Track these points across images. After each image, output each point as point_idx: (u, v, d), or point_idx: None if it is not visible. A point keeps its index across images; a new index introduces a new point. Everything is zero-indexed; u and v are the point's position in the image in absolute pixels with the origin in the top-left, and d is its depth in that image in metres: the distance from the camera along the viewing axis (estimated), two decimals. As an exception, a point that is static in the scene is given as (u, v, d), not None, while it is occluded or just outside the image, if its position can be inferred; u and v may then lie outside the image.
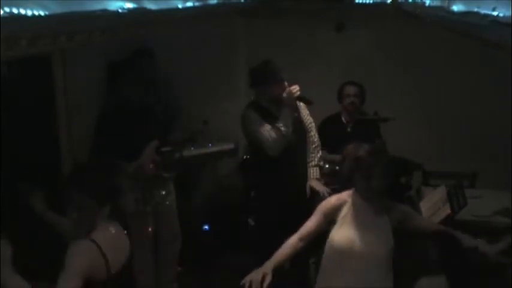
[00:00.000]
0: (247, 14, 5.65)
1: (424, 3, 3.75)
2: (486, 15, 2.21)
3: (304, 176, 4.12)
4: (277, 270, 2.86)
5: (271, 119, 3.95)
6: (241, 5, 5.42)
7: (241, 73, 5.81)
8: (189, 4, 3.60)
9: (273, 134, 3.88)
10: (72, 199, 2.55)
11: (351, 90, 4.72)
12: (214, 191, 5.45)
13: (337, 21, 5.59)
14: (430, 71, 5.43)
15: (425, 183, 4.81)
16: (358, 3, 5.53)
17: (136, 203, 3.86)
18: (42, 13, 2.03)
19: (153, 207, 3.98)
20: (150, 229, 4.00)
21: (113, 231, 2.66)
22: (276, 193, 4.01)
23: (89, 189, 2.54)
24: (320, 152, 4.22)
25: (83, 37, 2.50)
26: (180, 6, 3.47)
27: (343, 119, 4.77)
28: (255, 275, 2.75)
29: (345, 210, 2.92)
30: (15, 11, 1.91)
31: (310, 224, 3.00)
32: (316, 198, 3.99)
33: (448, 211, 3.53)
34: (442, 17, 3.13)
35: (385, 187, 2.88)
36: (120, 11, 2.63)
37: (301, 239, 3.00)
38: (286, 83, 3.96)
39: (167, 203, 4.10)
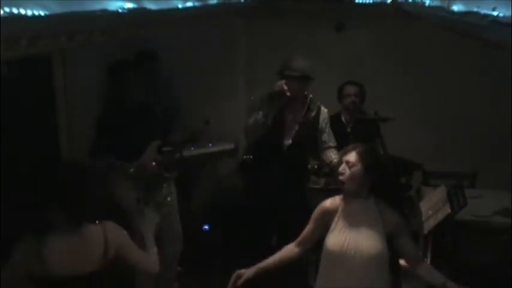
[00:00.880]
0: (247, 14, 5.65)
1: (424, 3, 3.76)
2: (486, 15, 2.21)
3: (295, 182, 4.10)
4: (266, 273, 2.96)
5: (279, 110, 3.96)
6: (241, 5, 5.42)
7: (241, 73, 5.82)
8: (189, 4, 3.60)
9: (251, 121, 3.91)
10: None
11: (351, 89, 4.72)
12: (214, 191, 5.45)
13: (337, 21, 5.59)
14: (430, 71, 5.42)
15: (425, 183, 4.82)
16: (358, 3, 5.54)
17: (138, 203, 3.86)
18: (42, 13, 2.03)
19: (155, 207, 3.98)
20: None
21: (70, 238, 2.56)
22: (257, 196, 4.08)
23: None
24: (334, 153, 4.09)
25: (83, 37, 2.50)
26: (180, 6, 3.48)
27: (343, 119, 4.77)
28: (233, 275, 2.89)
29: (338, 214, 2.92)
30: (15, 11, 1.91)
31: (306, 230, 3.02)
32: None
33: (448, 211, 3.52)
34: (442, 17, 3.13)
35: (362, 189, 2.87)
36: (120, 11, 2.64)
37: (297, 245, 3.02)
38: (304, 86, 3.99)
39: (168, 203, 4.10)
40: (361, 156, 2.83)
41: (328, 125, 4.14)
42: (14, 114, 3.39)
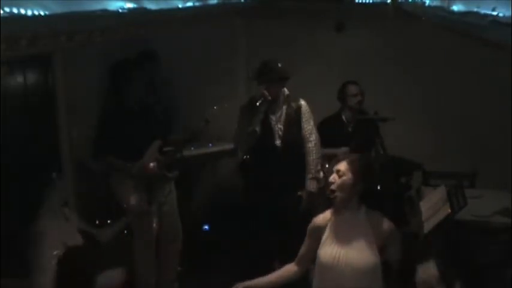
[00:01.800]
0: (247, 14, 5.65)
1: (424, 3, 3.76)
2: (486, 15, 2.21)
3: (291, 182, 4.13)
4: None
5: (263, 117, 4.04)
6: (241, 5, 5.42)
7: (241, 73, 5.82)
8: (189, 4, 3.61)
9: (239, 133, 4.05)
10: None
11: (355, 89, 4.70)
12: (214, 191, 5.44)
13: (337, 21, 5.59)
14: (430, 71, 5.42)
15: (425, 183, 4.81)
16: (358, 3, 5.54)
17: (139, 203, 3.86)
18: (42, 13, 2.04)
19: (157, 207, 3.98)
20: (153, 229, 4.01)
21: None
22: (256, 197, 4.13)
23: None
24: (319, 162, 4.17)
25: (83, 37, 2.51)
26: (180, 6, 3.48)
27: (344, 118, 4.76)
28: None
29: (329, 226, 2.90)
30: (15, 11, 1.91)
31: (302, 248, 3.00)
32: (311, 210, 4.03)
33: (448, 211, 3.52)
34: (442, 17, 3.13)
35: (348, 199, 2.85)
36: (120, 11, 2.64)
37: (296, 264, 3.01)
38: (285, 89, 4.07)
39: (168, 202, 4.10)
40: (352, 166, 2.81)
41: (309, 118, 4.18)
42: (14, 114, 3.39)
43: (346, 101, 4.71)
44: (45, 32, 2.15)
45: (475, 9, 2.38)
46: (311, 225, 2.98)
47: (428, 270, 2.90)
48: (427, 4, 3.70)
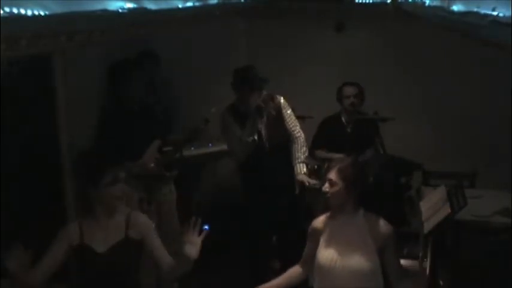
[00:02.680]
0: (247, 14, 5.65)
1: (424, 3, 3.76)
2: (486, 15, 2.21)
3: (285, 182, 4.18)
4: None
5: (244, 124, 4.11)
6: (241, 5, 5.42)
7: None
8: (189, 4, 3.61)
9: (237, 143, 4.09)
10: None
11: (349, 91, 4.73)
12: (214, 191, 5.44)
13: (337, 21, 5.59)
14: (430, 71, 5.42)
15: (425, 183, 4.81)
16: (358, 3, 5.54)
17: (140, 203, 3.86)
18: (42, 13, 2.04)
19: (156, 206, 3.99)
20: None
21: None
22: (254, 197, 4.18)
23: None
24: (307, 151, 4.27)
25: (83, 37, 2.50)
26: (180, 6, 3.48)
27: (343, 119, 4.77)
28: None
29: (326, 229, 2.92)
30: (15, 11, 1.91)
31: (305, 249, 3.03)
32: (305, 194, 4.06)
33: (448, 211, 3.52)
34: (442, 17, 3.13)
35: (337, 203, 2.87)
36: (120, 11, 2.64)
37: (301, 266, 3.04)
38: (264, 92, 4.12)
39: (168, 202, 4.10)
40: (341, 174, 2.83)
41: (287, 110, 4.23)
42: (14, 114, 3.39)
43: (342, 102, 4.74)
44: (45, 32, 2.15)
45: (475, 9, 2.37)
46: (310, 227, 2.99)
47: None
48: (427, 4, 3.69)
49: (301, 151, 4.21)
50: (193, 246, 2.79)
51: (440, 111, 5.48)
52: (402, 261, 4.80)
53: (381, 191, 4.55)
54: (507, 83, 4.56)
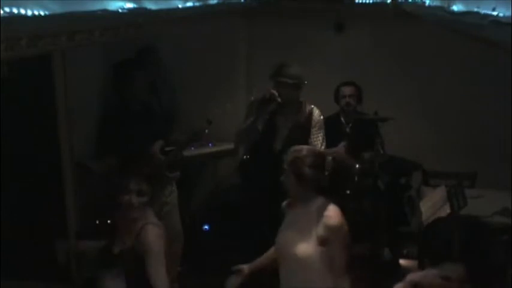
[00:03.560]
0: (247, 14, 5.65)
1: (424, 3, 3.76)
2: (486, 15, 2.21)
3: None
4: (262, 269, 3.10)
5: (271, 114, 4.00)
6: (241, 5, 5.42)
7: (242, 73, 5.82)
8: (189, 4, 3.61)
9: (243, 126, 4.00)
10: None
11: (346, 91, 4.74)
12: (214, 191, 5.44)
13: (337, 21, 5.58)
14: (430, 71, 5.42)
15: (425, 183, 4.82)
16: (358, 3, 5.53)
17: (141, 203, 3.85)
18: (42, 13, 2.03)
19: (159, 207, 3.99)
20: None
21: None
22: (254, 198, 4.12)
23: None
24: None
25: (83, 37, 2.50)
26: (180, 6, 3.48)
27: (342, 119, 4.77)
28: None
29: (286, 215, 3.02)
30: (15, 11, 1.91)
31: None
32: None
33: (448, 211, 3.53)
34: (442, 17, 3.13)
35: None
36: (120, 11, 2.64)
37: None
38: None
39: (169, 202, 4.10)
40: (291, 167, 2.89)
41: (319, 129, 4.09)
42: (14, 114, 3.39)
43: (339, 103, 4.75)
44: (45, 32, 2.14)
45: (475, 9, 2.37)
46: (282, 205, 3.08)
47: None
48: (427, 4, 3.69)
49: None
50: None
51: (440, 111, 5.48)
52: (402, 261, 4.84)
53: (381, 191, 4.56)
54: (507, 83, 4.56)
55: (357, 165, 4.42)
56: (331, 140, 4.54)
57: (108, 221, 3.10)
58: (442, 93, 5.44)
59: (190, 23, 4.23)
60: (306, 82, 4.02)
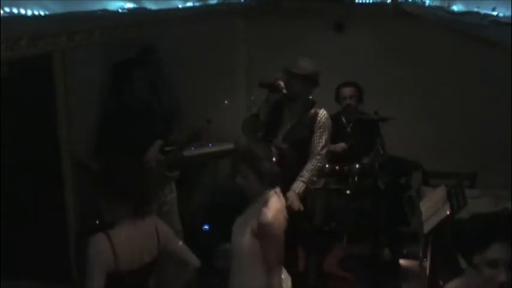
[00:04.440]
0: (247, 14, 5.65)
1: (424, 3, 3.75)
2: (486, 15, 2.21)
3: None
4: None
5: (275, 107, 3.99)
6: (241, 5, 5.42)
7: (242, 73, 5.82)
8: (189, 4, 3.61)
9: (247, 115, 4.00)
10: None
11: (346, 92, 4.74)
12: (214, 191, 5.44)
13: (337, 21, 5.59)
14: (430, 71, 5.42)
15: (425, 183, 4.82)
16: (358, 3, 5.53)
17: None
18: (42, 13, 2.03)
19: (158, 207, 3.99)
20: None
21: (134, 230, 2.68)
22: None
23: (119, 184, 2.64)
24: (316, 175, 3.98)
25: (83, 37, 2.50)
26: (180, 6, 3.48)
27: (343, 119, 4.77)
28: None
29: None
30: (15, 11, 1.91)
31: None
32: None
33: (448, 211, 3.53)
34: (442, 17, 3.13)
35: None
36: (120, 11, 2.64)
37: None
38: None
39: (169, 202, 4.10)
40: (248, 165, 2.96)
41: (324, 131, 3.98)
42: (14, 114, 3.39)
43: (340, 103, 4.76)
44: (45, 32, 2.14)
45: (475, 9, 2.37)
46: None
47: None
48: (427, 4, 3.69)
49: (310, 171, 3.91)
50: None
51: (440, 111, 5.48)
52: (402, 261, 4.83)
53: (381, 191, 4.56)
54: (507, 83, 4.56)
55: (357, 165, 4.42)
56: (331, 140, 4.54)
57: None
58: (442, 93, 5.44)
59: (190, 23, 4.23)
60: (318, 79, 3.95)
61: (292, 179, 3.92)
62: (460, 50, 4.79)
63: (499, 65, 3.85)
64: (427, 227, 3.62)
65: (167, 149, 3.85)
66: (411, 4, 4.58)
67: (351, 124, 4.75)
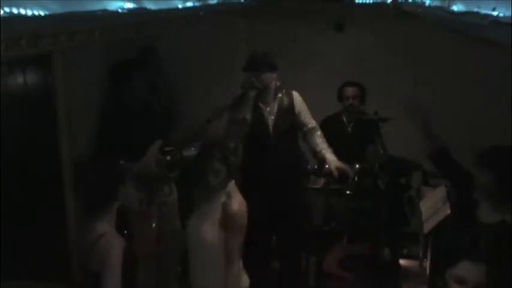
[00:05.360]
0: (247, 14, 5.65)
1: (424, 3, 3.76)
2: (486, 15, 2.21)
3: (287, 176, 4.13)
4: None
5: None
6: (241, 5, 5.42)
7: (241, 73, 5.81)
8: (189, 4, 3.61)
9: (228, 121, 3.98)
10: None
11: (349, 91, 4.74)
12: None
13: (337, 21, 5.59)
14: (430, 71, 5.42)
15: (425, 183, 4.81)
16: (358, 3, 5.54)
17: (140, 203, 3.86)
18: (42, 13, 2.04)
19: (157, 207, 3.99)
20: (153, 229, 4.01)
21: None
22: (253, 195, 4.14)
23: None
24: (321, 134, 4.21)
25: (83, 37, 2.50)
26: (180, 6, 3.48)
27: (344, 119, 4.77)
28: None
29: None
30: (15, 11, 1.91)
31: None
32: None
33: (448, 211, 3.52)
34: (442, 17, 3.13)
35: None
36: (120, 11, 2.64)
37: None
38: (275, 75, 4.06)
39: (169, 202, 4.10)
40: (216, 156, 2.99)
41: (304, 107, 4.18)
42: (14, 114, 3.38)
43: (342, 103, 4.75)
44: (45, 32, 2.15)
45: (475, 9, 2.37)
46: None
47: None
48: (427, 4, 3.69)
49: (323, 140, 4.17)
50: None
51: (440, 111, 5.47)
52: (402, 261, 4.83)
53: (381, 191, 4.56)
54: (507, 83, 4.56)
55: (357, 165, 4.42)
56: (333, 140, 4.54)
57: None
58: (442, 93, 5.44)
59: (190, 23, 4.24)
60: (274, 62, 4.07)
61: (286, 167, 4.05)
62: (460, 50, 4.79)
63: (499, 65, 3.85)
64: (427, 227, 3.62)
65: (167, 149, 3.85)
66: (411, 4, 4.58)
67: (352, 124, 4.75)
